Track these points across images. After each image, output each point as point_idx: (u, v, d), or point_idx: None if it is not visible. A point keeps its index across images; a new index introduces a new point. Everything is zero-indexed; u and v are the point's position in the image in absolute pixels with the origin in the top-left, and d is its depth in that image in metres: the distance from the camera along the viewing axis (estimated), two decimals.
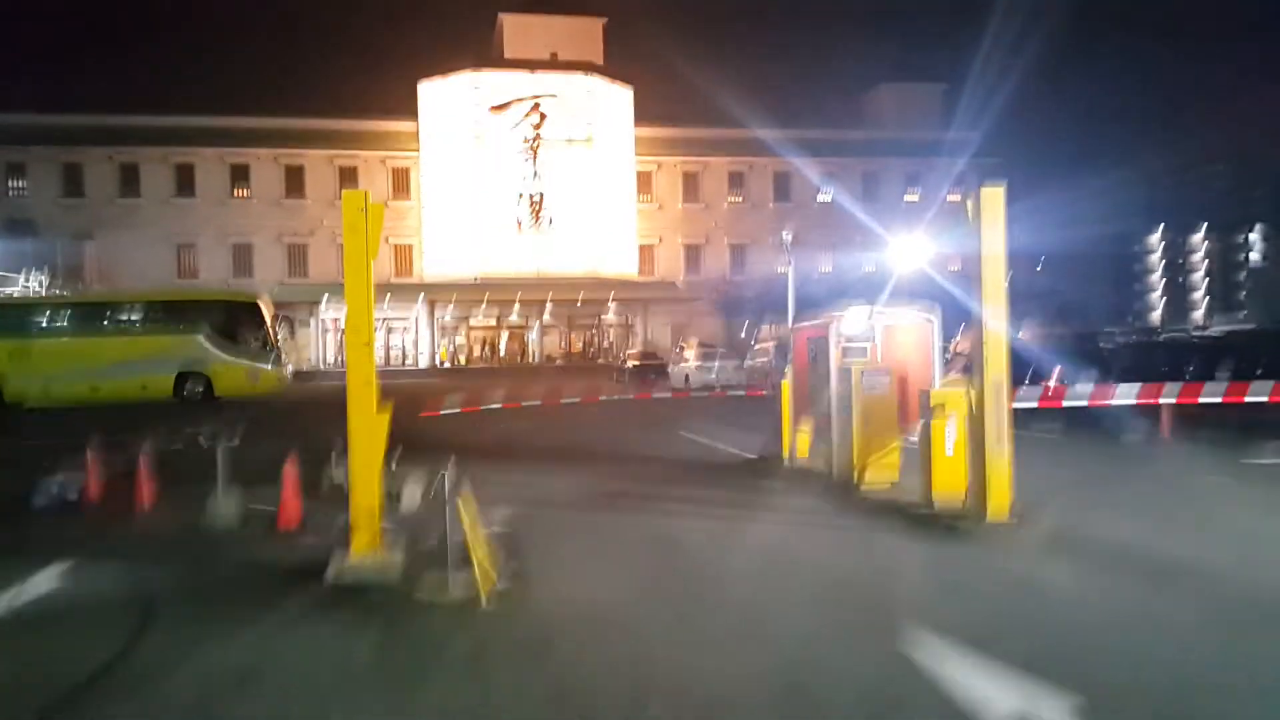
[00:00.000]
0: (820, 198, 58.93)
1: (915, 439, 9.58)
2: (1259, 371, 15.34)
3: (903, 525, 8.78)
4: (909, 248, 30.18)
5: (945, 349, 14.03)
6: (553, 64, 55.70)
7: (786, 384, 12.89)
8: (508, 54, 56.46)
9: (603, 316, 57.81)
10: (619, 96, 56.04)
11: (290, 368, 32.70)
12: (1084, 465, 13.04)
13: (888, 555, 7.82)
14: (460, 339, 57.01)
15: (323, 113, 54.20)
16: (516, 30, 57.12)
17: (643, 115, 56.43)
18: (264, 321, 30.33)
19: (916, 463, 9.48)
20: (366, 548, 6.85)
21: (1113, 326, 41.61)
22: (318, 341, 52.81)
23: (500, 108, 54.28)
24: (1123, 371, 17.73)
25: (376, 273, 7.37)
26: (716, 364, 34.88)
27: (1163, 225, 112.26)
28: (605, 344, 58.19)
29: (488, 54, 58.04)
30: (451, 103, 54.28)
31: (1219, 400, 13.88)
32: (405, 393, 30.60)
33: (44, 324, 30.00)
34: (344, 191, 7.15)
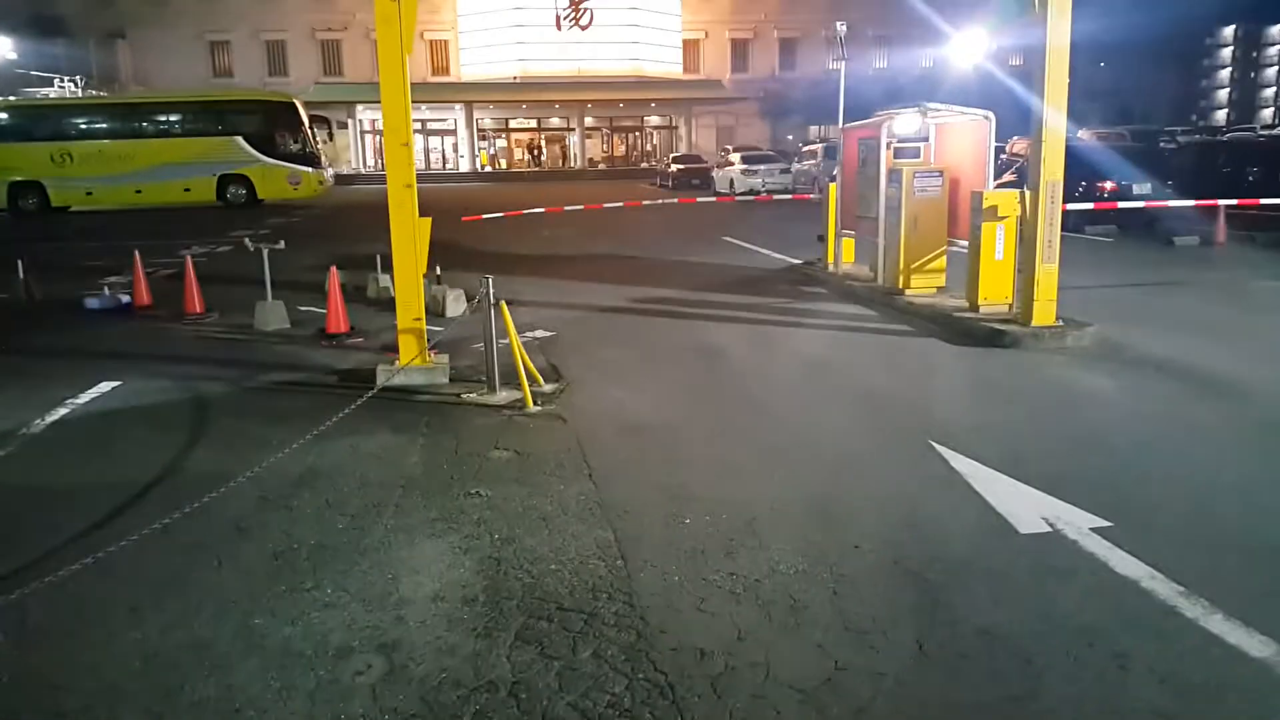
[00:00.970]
0: None
1: (964, 245, 9.39)
2: None
3: (947, 332, 8.73)
4: (970, 41, 28.62)
5: (1001, 150, 13.50)
6: None
7: (834, 187, 12.58)
8: None
9: (646, 119, 56.29)
10: None
11: (330, 171, 32.55)
12: (1134, 270, 12.76)
13: (929, 363, 7.80)
14: (501, 143, 56.07)
15: None
16: None
17: None
18: (302, 123, 30.04)
19: (964, 269, 9.32)
20: (414, 353, 6.94)
21: (1175, 125, 39.83)
22: (356, 144, 52.22)
23: None
24: (1182, 173, 17.06)
25: (412, 71, 7.12)
26: (762, 168, 34.09)
27: (1237, 18, 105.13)
28: (649, 148, 56.95)
29: None
30: None
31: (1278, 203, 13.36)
32: (446, 198, 30.45)
33: (84, 127, 29.95)
34: None
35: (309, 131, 30.27)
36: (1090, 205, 14.85)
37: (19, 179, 28.44)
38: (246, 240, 10.06)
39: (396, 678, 3.22)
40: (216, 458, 5.57)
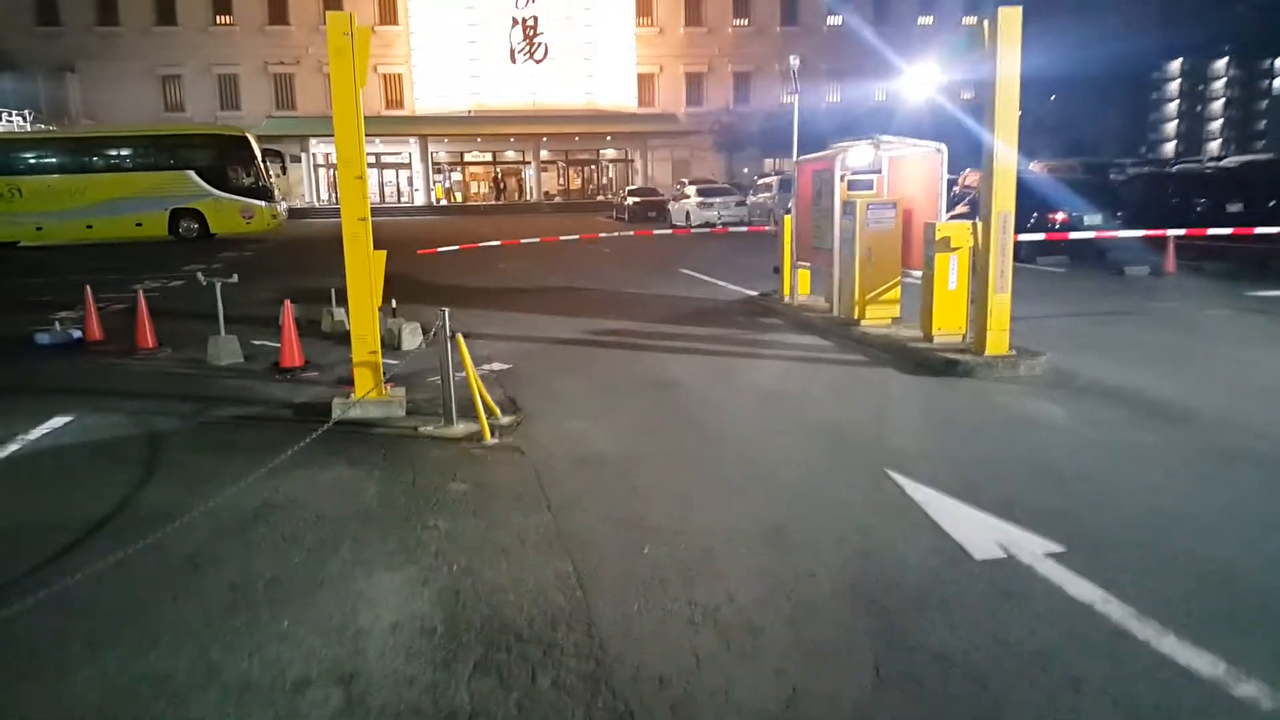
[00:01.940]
0: (830, 21, 56.85)
1: (918, 275, 9.58)
2: (1272, 204, 15.13)
3: (902, 362, 8.88)
4: (922, 75, 29.28)
5: (953, 183, 13.80)
6: None
7: (789, 220, 12.78)
8: None
9: (602, 153, 56.70)
10: None
11: (284, 204, 32.43)
12: (1086, 300, 13.07)
13: (885, 393, 7.94)
14: (456, 176, 56.16)
15: None
16: None
17: None
18: (255, 156, 29.95)
19: (918, 300, 9.51)
20: (370, 386, 6.94)
21: (1124, 158, 40.90)
22: (310, 178, 52.06)
23: None
24: (1131, 204, 17.52)
25: (366, 104, 7.18)
26: (718, 200, 34.48)
27: (1183, 52, 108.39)
28: (604, 181, 57.34)
29: None
30: None
31: (1229, 232, 13.78)
32: (401, 232, 30.41)
33: (32, 161, 29.60)
34: (328, 14, 6.86)
35: (262, 165, 30.16)
36: (1042, 236, 15.21)
37: None
38: (199, 275, 10.01)
39: (355, 709, 3.22)
40: (170, 492, 5.53)
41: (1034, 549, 4.46)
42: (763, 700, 3.26)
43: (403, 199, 53.64)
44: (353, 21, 6.69)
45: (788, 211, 13.35)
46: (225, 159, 29.56)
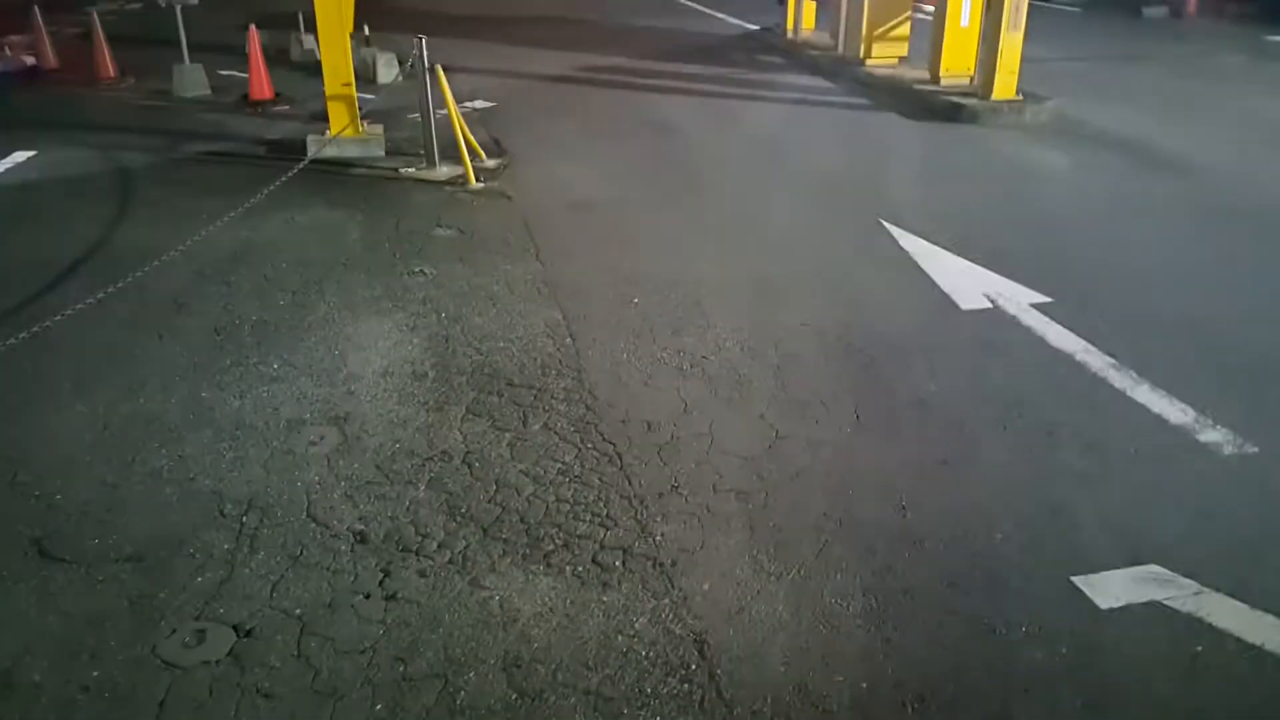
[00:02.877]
0: None
1: (929, 11, 9.21)
2: None
3: (906, 106, 8.70)
4: None
5: None
6: None
7: None
8: None
9: None
10: None
11: None
12: (1100, 43, 12.64)
13: (885, 139, 7.82)
14: None
15: None
16: None
17: None
18: None
19: (926, 39, 9.19)
20: (345, 122, 6.79)
21: None
22: None
23: None
24: None
25: None
26: None
27: None
28: None
29: None
30: None
31: None
32: None
33: None
34: None
35: None
36: None
37: None
38: None
39: (350, 448, 3.39)
40: (147, 231, 5.52)
41: (1020, 299, 4.57)
42: (746, 444, 3.44)
43: None
44: None
45: None
46: None
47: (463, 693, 2.35)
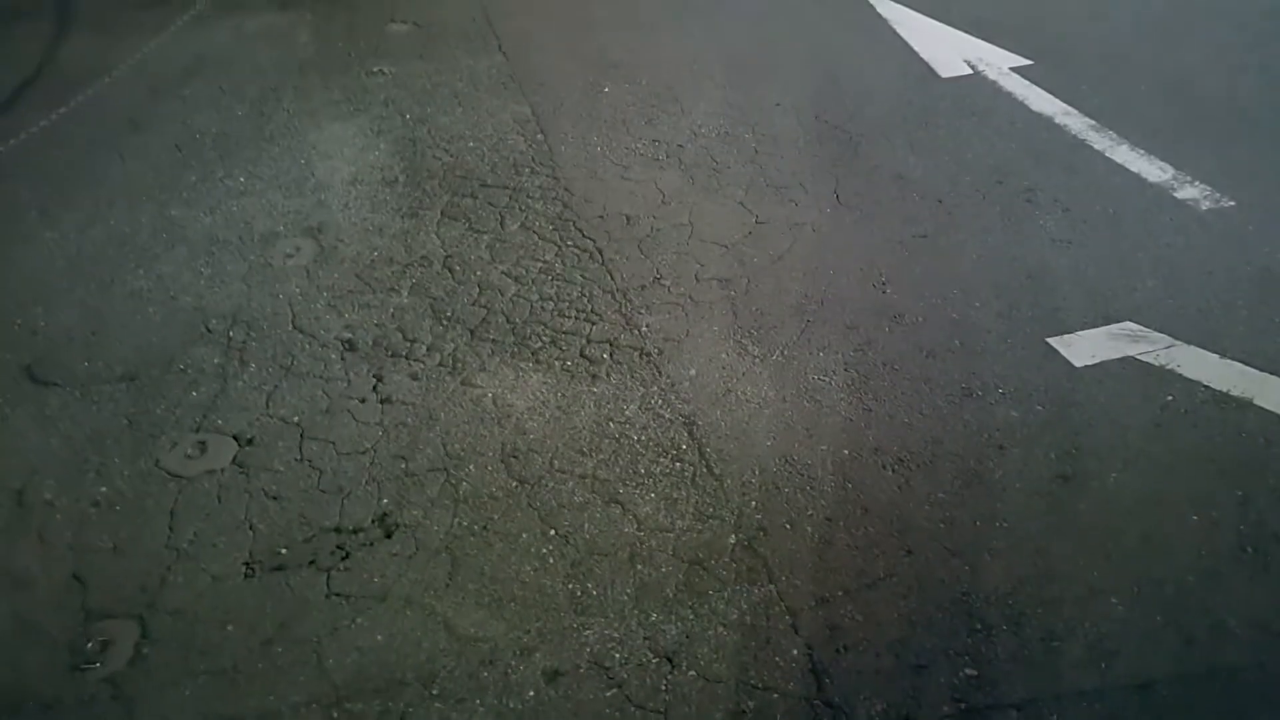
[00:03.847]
0: None
1: None
2: None
3: None
4: None
5: None
6: None
7: None
8: None
9: None
10: None
11: None
12: None
13: None
14: None
15: None
16: None
17: None
18: None
19: None
20: None
21: None
22: None
23: None
24: None
25: None
26: None
27: None
28: None
29: None
30: None
31: None
32: None
33: None
34: None
35: None
36: None
37: None
38: None
39: (328, 258, 3.43)
40: (92, 46, 5.27)
41: (1001, 64, 4.53)
42: (727, 231, 3.49)
43: None
44: None
45: None
46: None
47: (464, 483, 2.50)
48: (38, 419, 2.76)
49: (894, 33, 4.93)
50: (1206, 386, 2.69)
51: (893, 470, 2.49)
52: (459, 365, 2.90)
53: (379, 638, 2.14)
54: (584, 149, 4.08)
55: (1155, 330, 2.89)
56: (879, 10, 5.17)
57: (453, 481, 2.50)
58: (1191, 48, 4.66)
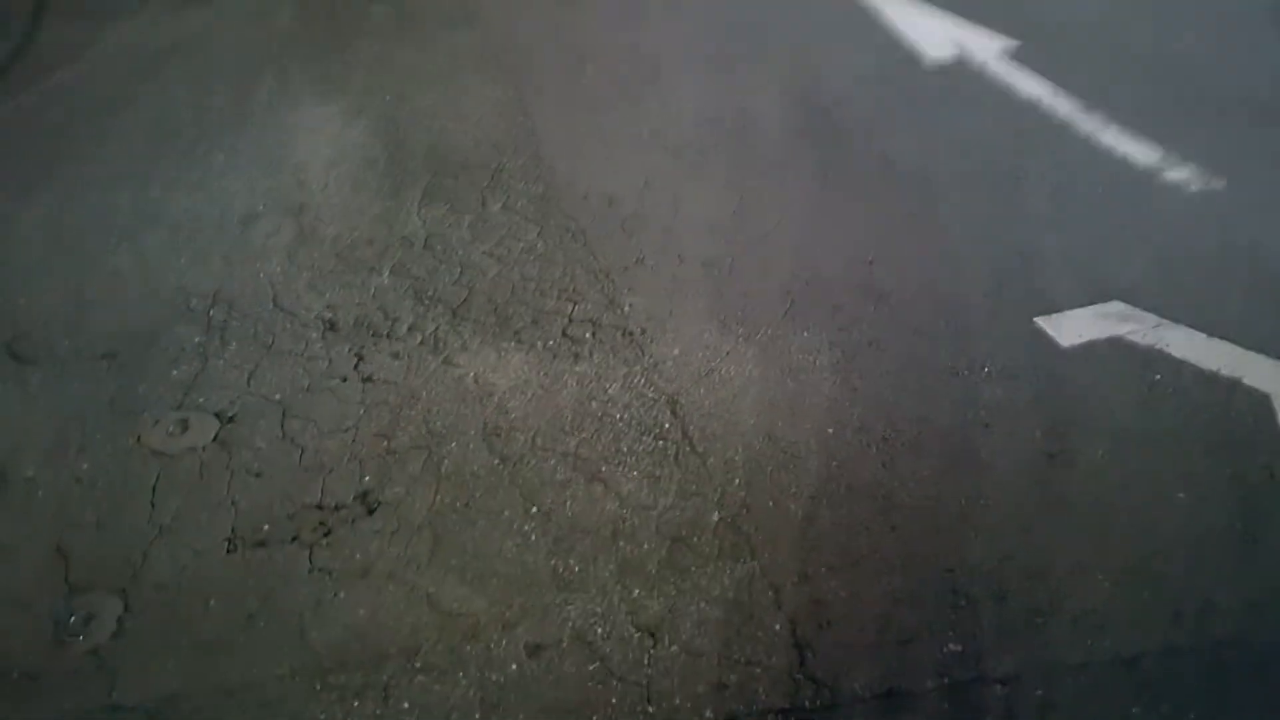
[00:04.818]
0: None
1: None
2: None
3: None
4: None
5: None
6: None
7: None
8: None
9: None
10: None
11: None
12: None
13: None
14: None
15: None
16: None
17: None
18: None
19: None
20: None
21: None
22: None
23: None
24: None
25: None
26: None
27: None
28: None
29: None
30: None
31: None
32: None
33: None
34: None
35: None
36: None
37: None
38: None
39: (309, 238, 3.44)
40: (71, 27, 5.26)
41: (988, 46, 4.57)
42: (711, 211, 3.52)
43: None
44: None
45: None
46: None
47: (446, 461, 2.52)
48: (19, 396, 2.77)
49: (880, 15, 4.96)
50: (1194, 366, 2.74)
51: (877, 448, 2.53)
52: (441, 345, 2.93)
53: (362, 612, 2.16)
54: (567, 130, 4.11)
55: (1143, 310, 2.94)
56: None
57: (435, 459, 2.53)
58: (1180, 28, 4.71)
